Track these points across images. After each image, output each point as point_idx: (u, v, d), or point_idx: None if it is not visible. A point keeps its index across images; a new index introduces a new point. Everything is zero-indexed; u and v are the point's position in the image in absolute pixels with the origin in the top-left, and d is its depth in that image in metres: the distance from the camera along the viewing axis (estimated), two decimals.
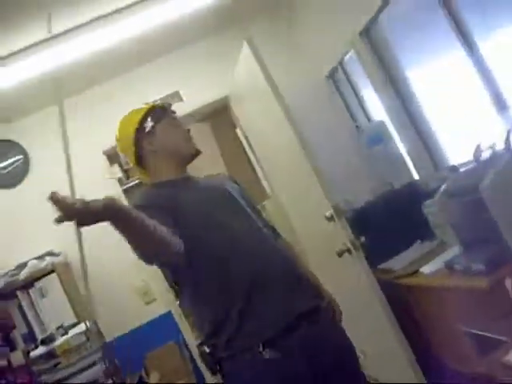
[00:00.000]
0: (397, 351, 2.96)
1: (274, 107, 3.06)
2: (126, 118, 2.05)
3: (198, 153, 2.01)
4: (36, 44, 3.09)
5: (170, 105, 2.09)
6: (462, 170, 2.65)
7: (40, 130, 3.95)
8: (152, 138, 1.97)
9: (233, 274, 1.77)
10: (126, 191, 4.02)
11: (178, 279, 1.88)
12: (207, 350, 1.81)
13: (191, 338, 3.83)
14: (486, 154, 2.40)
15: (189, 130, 2.02)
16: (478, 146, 2.43)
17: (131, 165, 2.11)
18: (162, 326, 3.83)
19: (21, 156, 3.92)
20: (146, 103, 2.08)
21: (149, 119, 1.98)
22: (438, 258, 2.75)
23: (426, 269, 2.78)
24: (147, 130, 1.97)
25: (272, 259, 1.83)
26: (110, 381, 3.02)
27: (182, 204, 1.81)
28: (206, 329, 1.81)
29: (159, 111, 2.01)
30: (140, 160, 2.00)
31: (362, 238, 2.94)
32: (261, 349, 1.72)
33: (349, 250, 2.93)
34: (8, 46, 3.05)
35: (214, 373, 1.83)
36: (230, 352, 1.75)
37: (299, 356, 1.73)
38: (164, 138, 1.97)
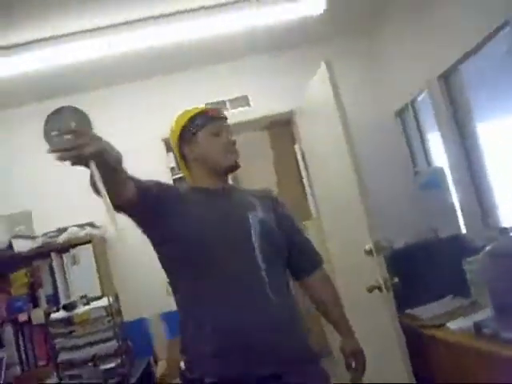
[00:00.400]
0: None
1: (337, 133, 3.06)
2: (176, 119, 2.03)
3: (236, 166, 1.95)
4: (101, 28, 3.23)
5: (219, 111, 2.03)
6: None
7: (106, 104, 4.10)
8: (193, 145, 1.95)
9: (210, 301, 1.75)
10: (175, 181, 4.09)
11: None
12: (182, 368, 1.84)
13: None
14: None
15: (234, 142, 1.94)
16: None
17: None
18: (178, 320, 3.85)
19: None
20: (206, 103, 2.11)
21: (191, 126, 1.95)
22: (467, 317, 2.68)
23: (453, 324, 2.71)
24: (188, 137, 1.95)
25: (253, 309, 1.72)
26: (119, 359, 3.06)
27: (194, 212, 1.81)
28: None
29: (203, 117, 1.95)
30: (183, 163, 2.02)
31: (396, 279, 2.91)
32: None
33: (380, 288, 2.90)
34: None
35: None
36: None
37: None
38: (204, 146, 1.93)
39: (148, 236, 1.87)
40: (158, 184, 1.82)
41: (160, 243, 1.84)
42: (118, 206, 1.53)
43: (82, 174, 4.05)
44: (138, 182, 1.66)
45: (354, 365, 1.97)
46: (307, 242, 2.08)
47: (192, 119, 1.97)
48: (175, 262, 1.82)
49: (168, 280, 1.94)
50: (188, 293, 1.83)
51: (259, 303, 1.73)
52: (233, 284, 1.73)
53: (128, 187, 1.60)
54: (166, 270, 1.91)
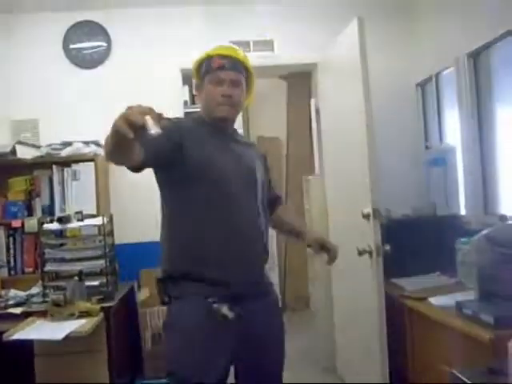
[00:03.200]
0: (375, 364, 2.98)
1: (356, 93, 3.02)
2: (198, 58, 2.09)
3: (226, 119, 2.03)
4: None
5: (224, 63, 2.01)
6: (511, 222, 2.58)
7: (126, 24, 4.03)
8: (200, 86, 2.06)
9: (210, 221, 1.90)
10: (187, 114, 4.06)
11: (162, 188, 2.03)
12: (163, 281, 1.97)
13: None
14: None
15: (230, 95, 1.98)
16: None
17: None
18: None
19: (104, 43, 3.98)
20: (230, 41, 2.16)
21: (201, 68, 2.05)
22: (451, 295, 2.72)
23: (435, 300, 2.75)
24: (199, 76, 2.06)
25: (246, 235, 1.93)
26: (104, 279, 3.11)
27: (206, 144, 1.94)
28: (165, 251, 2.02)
29: (208, 65, 2.02)
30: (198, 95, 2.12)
31: (387, 247, 2.93)
32: (210, 299, 1.85)
33: (370, 253, 2.93)
34: None
35: (162, 303, 1.99)
36: (178, 293, 1.91)
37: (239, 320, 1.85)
38: (204, 92, 2.03)
39: (165, 170, 1.95)
40: (169, 131, 1.76)
41: (176, 173, 1.92)
42: (129, 167, 1.77)
43: (96, 93, 3.98)
44: (145, 150, 1.71)
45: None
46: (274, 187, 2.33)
47: (203, 62, 2.05)
48: (187, 189, 1.91)
49: (164, 204, 2.06)
50: (189, 217, 1.93)
51: (255, 245, 1.98)
52: (238, 221, 1.92)
53: (135, 155, 1.69)
54: (168, 196, 2.02)
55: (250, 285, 1.93)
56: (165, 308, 3.46)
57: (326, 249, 2.13)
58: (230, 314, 1.83)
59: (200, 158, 1.88)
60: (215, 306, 1.84)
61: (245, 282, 1.91)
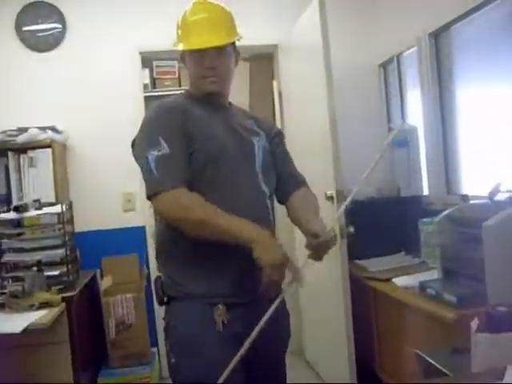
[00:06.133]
0: (342, 346, 2.99)
1: (318, 74, 3.00)
2: (177, 23, 1.87)
3: (213, 93, 1.83)
4: None
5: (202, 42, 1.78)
6: (472, 201, 2.60)
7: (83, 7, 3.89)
8: (183, 58, 1.87)
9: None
10: (147, 98, 3.97)
11: None
12: (162, 279, 1.78)
13: (154, 258, 3.84)
14: (501, 196, 2.36)
15: (214, 67, 1.78)
16: (497, 185, 2.38)
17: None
18: (131, 238, 3.83)
19: (59, 25, 3.84)
20: None
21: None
22: (414, 275, 2.74)
23: (399, 280, 2.77)
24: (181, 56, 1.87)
25: (250, 217, 1.66)
26: (65, 268, 3.03)
27: (199, 124, 1.75)
28: (160, 244, 1.84)
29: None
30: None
31: (351, 228, 2.93)
32: (213, 300, 1.68)
33: (334, 235, 2.91)
34: None
35: (160, 303, 1.79)
36: (178, 293, 1.73)
37: (241, 321, 1.68)
38: (187, 66, 1.85)
39: None
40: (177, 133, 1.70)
41: None
42: None
43: (51, 77, 3.84)
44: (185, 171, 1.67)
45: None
46: (294, 165, 2.06)
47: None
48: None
49: None
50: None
51: (261, 224, 1.67)
52: (241, 203, 1.72)
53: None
54: None
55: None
56: (128, 296, 3.46)
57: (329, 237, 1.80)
58: (226, 317, 1.67)
59: (197, 137, 1.71)
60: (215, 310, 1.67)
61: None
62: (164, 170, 1.63)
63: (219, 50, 1.78)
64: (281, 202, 1.99)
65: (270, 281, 1.54)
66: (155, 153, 1.64)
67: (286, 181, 1.95)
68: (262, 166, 1.82)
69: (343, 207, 2.02)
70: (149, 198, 1.66)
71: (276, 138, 1.99)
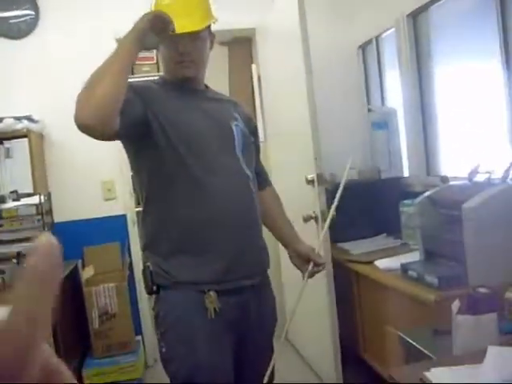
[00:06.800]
0: (325, 329, 3.00)
1: (297, 57, 2.96)
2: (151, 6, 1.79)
3: (187, 78, 1.78)
4: None
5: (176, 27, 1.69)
6: (452, 183, 2.61)
7: None
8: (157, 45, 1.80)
9: (193, 192, 1.69)
10: None
11: (138, 164, 1.79)
12: (151, 268, 1.73)
13: (136, 246, 3.83)
14: (481, 177, 2.37)
15: (188, 53, 1.73)
16: (477, 167, 2.39)
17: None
18: (112, 226, 3.80)
19: (32, 12, 3.76)
20: None
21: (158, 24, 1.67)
22: (396, 257, 2.75)
23: (381, 263, 2.78)
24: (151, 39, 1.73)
25: (236, 201, 1.71)
26: None
27: (172, 106, 1.72)
28: (146, 236, 1.79)
29: (165, 20, 1.67)
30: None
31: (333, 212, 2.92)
32: (204, 288, 1.67)
33: (316, 219, 2.92)
34: None
35: (149, 293, 1.76)
36: (167, 281, 1.70)
37: (232, 308, 1.70)
38: (161, 51, 1.81)
39: (136, 142, 1.74)
40: (138, 93, 1.65)
41: (148, 141, 1.69)
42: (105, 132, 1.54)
43: (25, 65, 3.75)
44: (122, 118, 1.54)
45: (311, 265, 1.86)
46: (260, 159, 2.06)
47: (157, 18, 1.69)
48: (160, 158, 1.70)
49: (139, 181, 1.81)
50: (170, 193, 1.71)
51: (248, 207, 1.74)
52: (225, 188, 1.71)
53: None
54: (142, 170, 1.77)
55: (242, 256, 1.71)
56: (110, 285, 3.43)
57: (316, 256, 1.89)
58: (217, 305, 1.66)
59: (166, 122, 1.67)
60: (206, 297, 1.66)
61: (236, 253, 1.70)
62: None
63: (194, 35, 1.72)
64: None
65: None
66: None
67: (257, 174, 1.92)
68: (242, 150, 1.80)
69: (326, 228, 2.18)
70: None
71: (255, 133, 1.99)
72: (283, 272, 3.83)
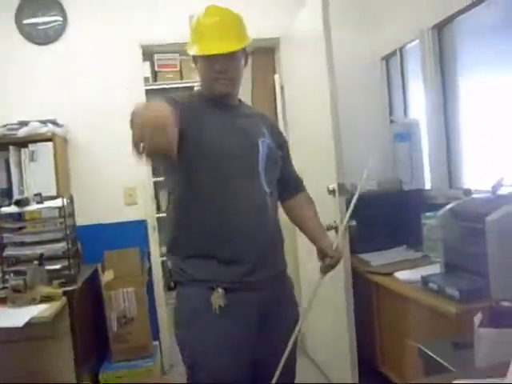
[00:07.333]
0: (343, 340, 2.98)
1: (320, 68, 2.98)
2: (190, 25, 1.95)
3: (225, 95, 1.91)
4: None
5: (214, 48, 1.85)
6: (475, 195, 2.59)
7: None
8: (195, 59, 1.93)
9: (214, 213, 1.82)
10: (148, 92, 3.96)
11: (168, 180, 1.96)
12: (170, 266, 1.93)
13: (156, 252, 3.85)
14: (504, 190, 2.35)
15: (224, 70, 1.86)
16: (500, 180, 2.37)
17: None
18: (133, 231, 3.82)
19: (60, 18, 3.82)
20: (190, 15, 2.03)
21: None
22: (417, 269, 2.73)
23: (401, 274, 2.76)
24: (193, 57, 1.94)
25: (250, 219, 1.84)
26: (66, 262, 3.03)
27: (204, 124, 1.82)
28: (169, 240, 1.94)
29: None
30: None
31: (353, 222, 2.92)
32: (214, 285, 1.79)
33: (336, 229, 2.91)
34: None
35: (168, 289, 1.89)
36: (183, 278, 1.87)
37: (243, 305, 1.81)
38: (199, 67, 1.92)
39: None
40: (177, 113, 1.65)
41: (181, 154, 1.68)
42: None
43: (52, 71, 3.80)
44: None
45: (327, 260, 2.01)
46: (293, 169, 2.21)
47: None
48: (189, 171, 1.82)
49: (169, 187, 1.99)
50: (195, 202, 1.85)
51: (261, 222, 1.86)
52: (242, 203, 1.84)
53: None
54: (171, 179, 1.94)
55: (257, 267, 1.84)
56: (129, 290, 3.47)
57: (325, 255, 2.02)
58: (223, 302, 1.77)
59: (199, 139, 1.77)
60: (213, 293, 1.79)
61: (251, 263, 1.83)
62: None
63: (230, 55, 1.84)
64: (282, 202, 2.13)
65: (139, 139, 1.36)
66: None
67: (288, 183, 2.09)
68: (265, 166, 1.90)
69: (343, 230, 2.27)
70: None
71: (283, 145, 2.11)
72: (301, 273, 3.82)
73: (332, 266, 2.03)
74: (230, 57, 1.85)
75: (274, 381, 1.85)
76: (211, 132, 1.81)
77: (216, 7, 1.93)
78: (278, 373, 1.86)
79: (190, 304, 1.85)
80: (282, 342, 1.91)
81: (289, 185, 2.10)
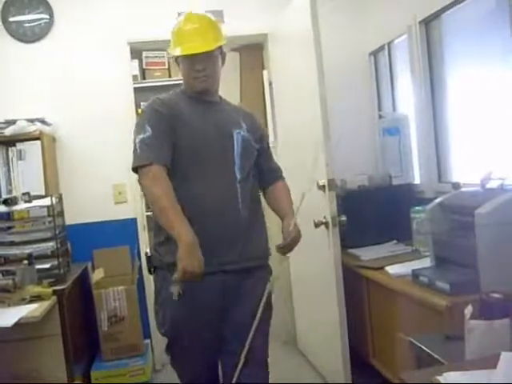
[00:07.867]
0: (335, 336, 2.99)
1: (309, 63, 2.97)
2: (172, 30, 2.21)
3: (204, 92, 2.17)
4: None
5: (192, 48, 2.13)
6: (464, 189, 2.60)
7: None
8: (177, 60, 2.21)
9: (192, 199, 2.03)
10: (136, 90, 3.94)
11: None
12: (149, 254, 2.20)
13: (146, 250, 3.83)
14: (493, 184, 2.36)
15: (203, 69, 2.12)
16: (489, 173, 2.38)
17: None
18: (123, 230, 3.81)
19: (46, 15, 3.79)
20: (178, 12, 2.29)
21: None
22: (407, 264, 2.74)
23: (391, 269, 2.77)
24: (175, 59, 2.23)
25: (218, 202, 2.06)
26: (56, 261, 3.01)
27: (184, 119, 2.11)
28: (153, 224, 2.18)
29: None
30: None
31: (343, 217, 2.92)
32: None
33: (326, 224, 2.92)
34: None
35: (149, 272, 2.20)
36: (159, 263, 2.12)
37: (213, 291, 2.06)
38: (180, 67, 2.20)
39: None
40: (166, 118, 2.08)
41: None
42: None
43: (39, 69, 3.78)
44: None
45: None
46: (273, 159, 2.45)
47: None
48: (172, 160, 2.06)
49: None
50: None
51: (230, 209, 2.09)
52: (211, 187, 2.07)
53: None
54: None
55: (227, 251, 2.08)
56: (120, 288, 3.47)
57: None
58: (177, 292, 1.94)
59: (181, 131, 2.07)
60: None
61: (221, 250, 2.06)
62: (145, 149, 1.99)
63: (208, 54, 2.11)
64: (263, 191, 2.38)
65: (183, 279, 1.88)
66: (141, 136, 2.02)
67: (267, 173, 2.35)
68: (240, 155, 2.15)
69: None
70: (133, 171, 2.03)
71: (262, 138, 2.34)
72: (293, 285, 3.83)
73: (288, 247, 2.20)
74: (208, 56, 2.11)
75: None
76: (191, 124, 2.10)
77: (195, 14, 2.21)
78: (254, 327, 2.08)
79: (165, 286, 2.04)
80: (248, 315, 2.11)
81: (268, 174, 2.35)
